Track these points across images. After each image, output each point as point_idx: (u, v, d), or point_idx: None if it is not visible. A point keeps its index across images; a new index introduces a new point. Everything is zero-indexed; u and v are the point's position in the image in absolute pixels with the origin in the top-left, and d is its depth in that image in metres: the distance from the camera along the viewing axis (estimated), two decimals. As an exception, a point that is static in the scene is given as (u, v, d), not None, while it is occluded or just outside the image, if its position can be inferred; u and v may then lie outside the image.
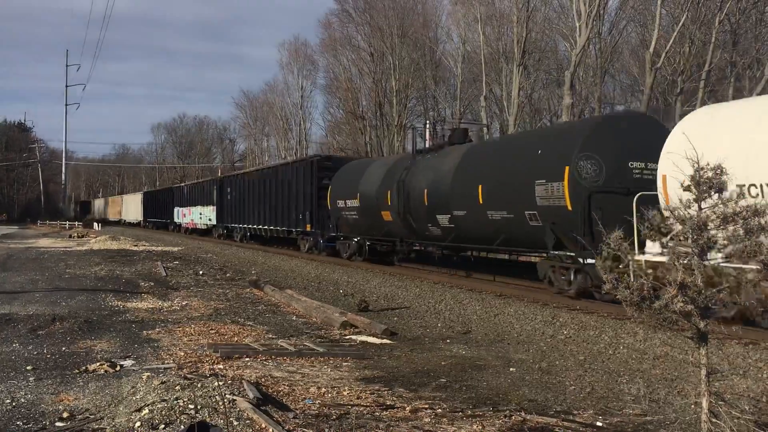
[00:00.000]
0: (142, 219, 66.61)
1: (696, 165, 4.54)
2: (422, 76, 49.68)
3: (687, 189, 4.54)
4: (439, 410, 6.39)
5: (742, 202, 4.46)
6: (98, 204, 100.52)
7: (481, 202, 15.04)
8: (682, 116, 14.26)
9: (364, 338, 10.28)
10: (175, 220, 53.16)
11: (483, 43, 40.16)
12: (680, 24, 29.68)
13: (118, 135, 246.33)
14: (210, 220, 42.04)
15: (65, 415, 6.14)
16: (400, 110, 49.00)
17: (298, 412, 6.19)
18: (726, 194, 4.47)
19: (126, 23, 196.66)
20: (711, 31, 30.57)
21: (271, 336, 10.32)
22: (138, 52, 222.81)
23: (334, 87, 57.44)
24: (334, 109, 60.62)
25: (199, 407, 5.83)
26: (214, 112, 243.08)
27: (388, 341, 10.12)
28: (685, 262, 4.44)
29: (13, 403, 6.50)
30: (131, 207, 72.56)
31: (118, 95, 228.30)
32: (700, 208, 4.51)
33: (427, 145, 20.41)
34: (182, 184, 54.11)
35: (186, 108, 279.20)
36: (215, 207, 40.53)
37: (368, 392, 7.04)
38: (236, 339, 10.01)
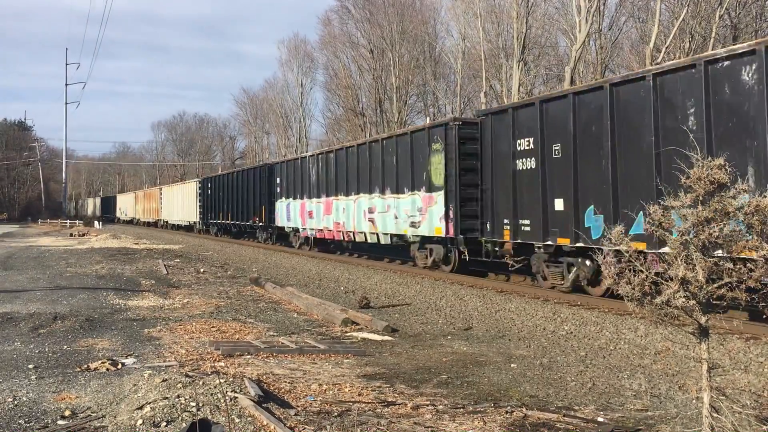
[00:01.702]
0: (197, 220, 45.46)
1: (701, 162, 4.53)
2: (422, 73, 49.63)
3: (689, 187, 4.54)
4: (441, 407, 6.39)
5: (742, 199, 4.45)
6: (124, 201, 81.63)
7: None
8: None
9: (365, 335, 10.29)
10: (282, 223, 29.49)
11: (483, 39, 40.11)
12: (680, 19, 29.62)
13: (118, 133, 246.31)
14: (414, 225, 18.34)
15: (67, 413, 6.14)
16: (400, 107, 48.96)
17: (299, 409, 6.19)
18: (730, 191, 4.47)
19: (124, 21, 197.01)
20: (711, 26, 30.51)
21: (272, 333, 10.32)
22: (136, 49, 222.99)
23: (334, 84, 57.40)
24: (334, 107, 60.57)
25: (200, 405, 5.84)
26: (213, 110, 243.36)
27: (390, 338, 10.13)
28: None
29: (15, 402, 6.51)
30: (178, 202, 51.43)
31: (117, 93, 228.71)
32: (703, 204, 4.51)
33: None
34: (304, 155, 28.16)
35: (185, 106, 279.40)
36: (442, 192, 16.99)
37: (369, 389, 7.04)
38: (237, 336, 10.01)
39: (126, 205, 78.02)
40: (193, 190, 46.35)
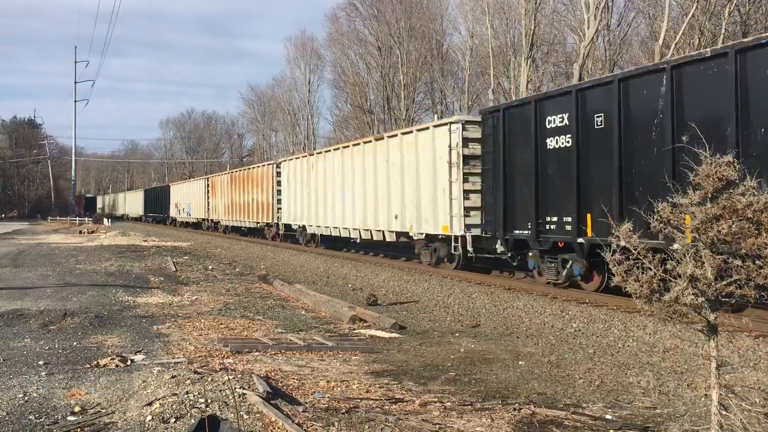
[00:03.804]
0: (461, 231, 16.02)
1: (709, 159, 4.51)
2: (430, 70, 49.58)
3: (698, 184, 4.52)
4: (449, 404, 6.39)
5: (752, 197, 4.43)
6: (185, 192, 52.41)
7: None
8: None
9: (373, 332, 10.30)
10: None
11: (490, 36, 40.03)
12: (689, 15, 29.45)
13: (126, 131, 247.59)
14: None
15: (77, 409, 6.18)
16: (408, 104, 48.93)
17: (307, 405, 6.21)
18: (739, 188, 4.44)
19: (130, 19, 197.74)
20: (721, 23, 30.32)
21: (280, 330, 10.35)
22: (143, 47, 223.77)
23: (342, 81, 57.45)
24: (341, 104, 60.69)
25: (209, 401, 5.87)
26: (221, 108, 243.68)
27: (397, 335, 10.14)
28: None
29: (26, 398, 6.55)
30: (345, 189, 23.18)
31: (125, 91, 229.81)
32: (712, 201, 4.49)
33: None
34: None
35: (193, 104, 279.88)
36: None
37: (377, 386, 7.05)
38: (246, 333, 10.05)
39: (188, 198, 50.81)
40: (431, 153, 17.42)
